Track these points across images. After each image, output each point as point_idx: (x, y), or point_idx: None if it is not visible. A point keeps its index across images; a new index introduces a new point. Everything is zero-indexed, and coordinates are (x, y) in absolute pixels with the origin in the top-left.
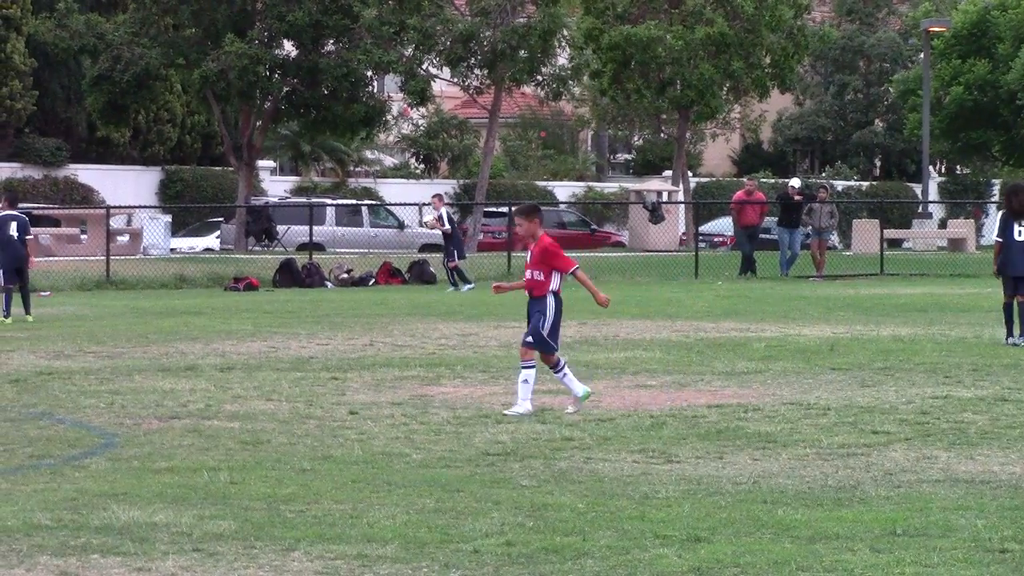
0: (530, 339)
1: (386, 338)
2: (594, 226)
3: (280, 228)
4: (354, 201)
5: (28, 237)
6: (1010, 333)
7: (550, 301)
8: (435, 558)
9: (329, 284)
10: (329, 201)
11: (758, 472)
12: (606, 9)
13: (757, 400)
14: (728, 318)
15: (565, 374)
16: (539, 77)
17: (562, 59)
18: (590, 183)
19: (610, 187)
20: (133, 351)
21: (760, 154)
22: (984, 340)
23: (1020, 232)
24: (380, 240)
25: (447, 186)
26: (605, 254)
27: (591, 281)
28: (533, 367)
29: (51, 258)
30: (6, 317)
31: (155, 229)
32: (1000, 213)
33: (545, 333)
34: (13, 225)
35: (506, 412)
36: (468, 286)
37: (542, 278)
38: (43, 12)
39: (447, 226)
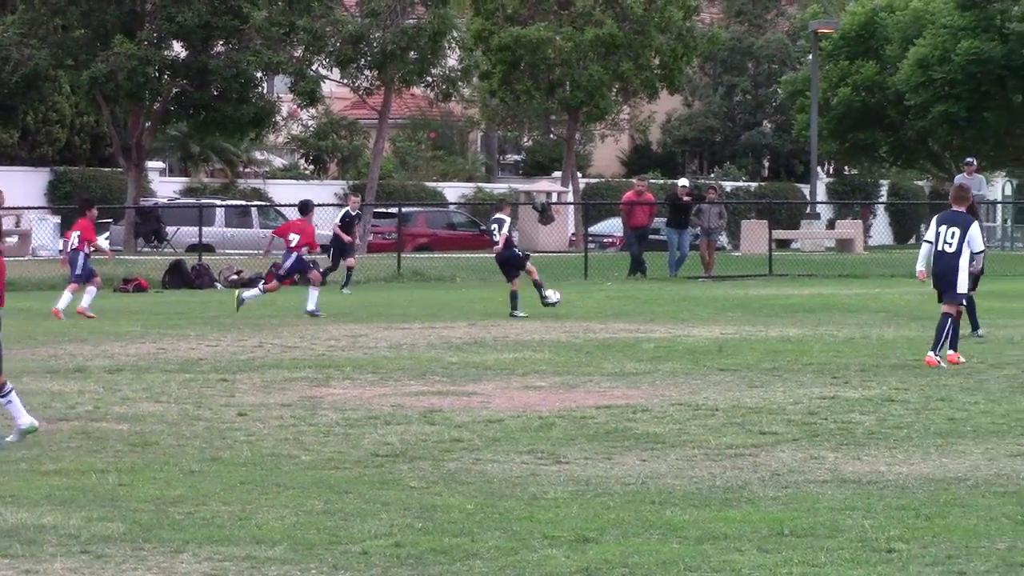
0: None
1: (275, 339)
2: (483, 227)
3: (169, 229)
4: (243, 202)
5: None
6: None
7: None
8: (324, 559)
9: (219, 285)
10: (218, 202)
11: (646, 473)
12: (496, 10)
13: (646, 401)
14: (617, 319)
15: (11, 401)
16: (429, 78)
17: (452, 60)
18: (480, 184)
19: (500, 188)
20: (21, 352)
21: (649, 155)
22: (872, 340)
23: None
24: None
25: (336, 187)
26: (494, 255)
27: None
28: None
29: None
30: None
31: (44, 230)
32: None
33: None
34: None
35: (8, 439)
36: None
37: None
38: None
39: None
